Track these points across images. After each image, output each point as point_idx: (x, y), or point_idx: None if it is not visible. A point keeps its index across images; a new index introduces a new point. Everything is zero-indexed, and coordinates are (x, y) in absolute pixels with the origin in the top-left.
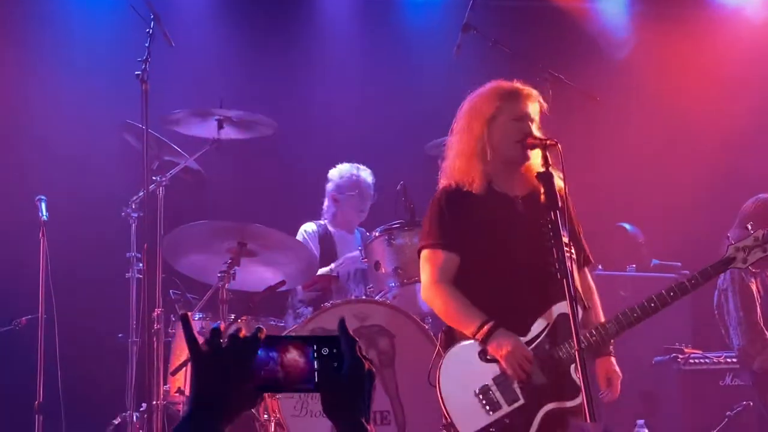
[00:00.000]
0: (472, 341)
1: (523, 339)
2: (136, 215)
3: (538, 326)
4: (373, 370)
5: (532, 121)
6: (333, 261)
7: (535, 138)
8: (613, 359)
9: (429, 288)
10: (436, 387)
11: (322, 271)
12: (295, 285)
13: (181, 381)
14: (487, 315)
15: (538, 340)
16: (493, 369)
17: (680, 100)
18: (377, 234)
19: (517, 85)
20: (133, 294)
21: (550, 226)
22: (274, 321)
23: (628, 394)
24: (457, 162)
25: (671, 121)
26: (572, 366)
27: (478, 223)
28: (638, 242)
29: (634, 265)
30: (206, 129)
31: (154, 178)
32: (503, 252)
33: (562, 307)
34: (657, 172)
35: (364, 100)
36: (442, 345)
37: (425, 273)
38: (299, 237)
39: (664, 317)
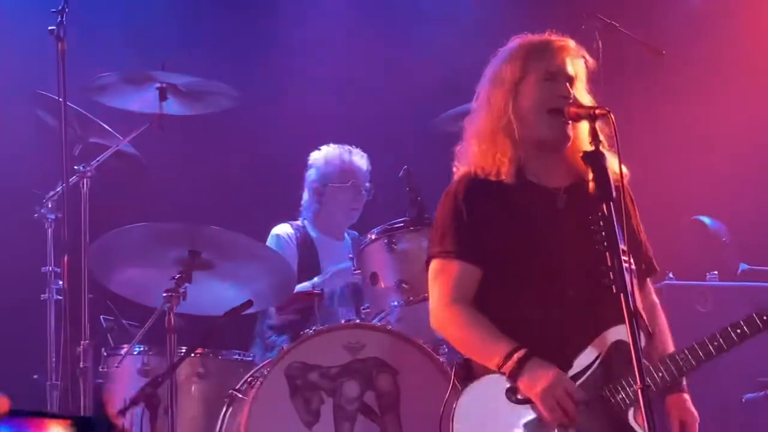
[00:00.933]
0: (496, 376)
1: (570, 373)
2: (53, 217)
3: (586, 357)
4: None
5: (572, 82)
6: (314, 274)
7: (579, 105)
8: (686, 396)
9: (441, 310)
10: None
11: (300, 287)
12: (266, 306)
13: None
14: (518, 343)
15: (586, 375)
16: (525, 412)
17: None
18: (374, 237)
19: (550, 36)
20: (51, 321)
21: (601, 223)
22: (239, 354)
23: None
24: (477, 143)
25: (764, 82)
26: (632, 410)
27: (508, 224)
28: (721, 241)
29: (716, 272)
30: (144, 100)
31: (75, 167)
32: (540, 262)
33: (618, 332)
34: (745, 151)
35: (354, 64)
36: (457, 381)
37: (435, 290)
38: (270, 243)
39: (756, 342)
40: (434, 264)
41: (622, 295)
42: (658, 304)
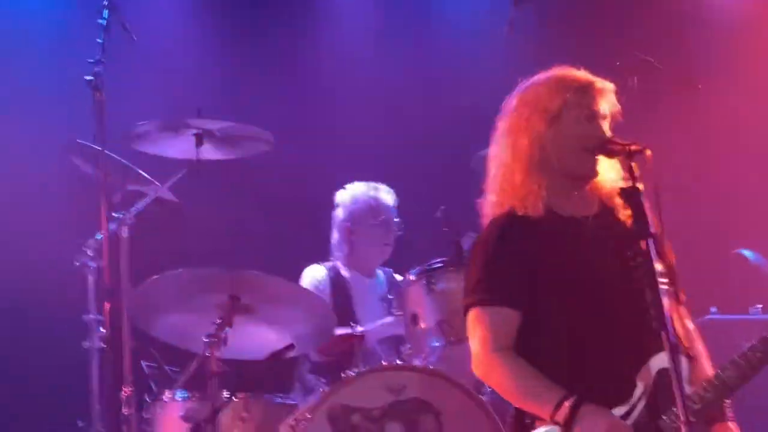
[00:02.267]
0: (550, 426)
1: (617, 412)
2: (93, 265)
3: (634, 392)
4: None
5: (605, 121)
6: (349, 314)
7: (616, 142)
8: (732, 425)
9: (483, 359)
10: None
11: (339, 330)
12: (307, 349)
13: None
14: (565, 387)
15: (637, 410)
16: None
17: None
18: (413, 278)
19: (589, 75)
20: (95, 369)
21: (639, 259)
22: (281, 398)
23: None
24: (507, 174)
25: None
26: None
27: (546, 262)
28: (764, 275)
29: (759, 306)
30: (181, 147)
31: (115, 214)
32: (582, 298)
33: (660, 360)
34: None
35: (386, 102)
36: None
37: (476, 340)
38: (305, 285)
39: None
40: (473, 313)
41: (663, 334)
42: (694, 329)
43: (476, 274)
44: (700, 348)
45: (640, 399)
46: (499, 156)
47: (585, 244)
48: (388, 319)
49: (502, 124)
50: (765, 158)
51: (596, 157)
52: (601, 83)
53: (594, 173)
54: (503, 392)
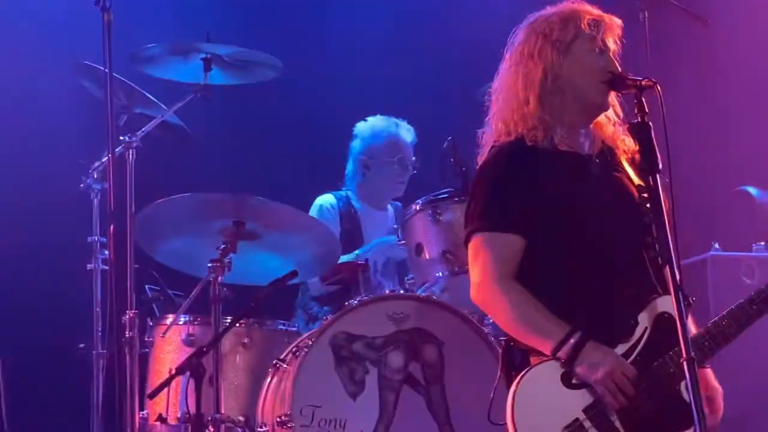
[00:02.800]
0: (550, 362)
1: (618, 350)
2: (98, 187)
3: (635, 332)
4: None
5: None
6: (357, 245)
7: (628, 77)
8: (710, 371)
9: (485, 287)
10: (508, 424)
11: (344, 258)
12: (311, 277)
13: (162, 405)
14: (566, 321)
15: (637, 350)
16: (583, 397)
17: None
18: (418, 208)
19: (599, 10)
20: (98, 292)
21: (646, 195)
22: (284, 324)
23: (760, 421)
24: (519, 103)
25: None
26: (683, 382)
27: (552, 192)
28: None
29: (763, 243)
30: (190, 71)
31: (121, 137)
32: (587, 232)
33: (663, 303)
34: None
35: (397, 32)
36: (505, 366)
37: (477, 267)
38: (313, 213)
39: None
40: (476, 240)
41: (668, 267)
42: None
43: (480, 200)
44: None
45: (640, 339)
46: (510, 85)
47: (588, 180)
48: (387, 238)
49: (511, 54)
50: None
51: (609, 91)
52: (611, 19)
53: (606, 105)
54: (503, 323)
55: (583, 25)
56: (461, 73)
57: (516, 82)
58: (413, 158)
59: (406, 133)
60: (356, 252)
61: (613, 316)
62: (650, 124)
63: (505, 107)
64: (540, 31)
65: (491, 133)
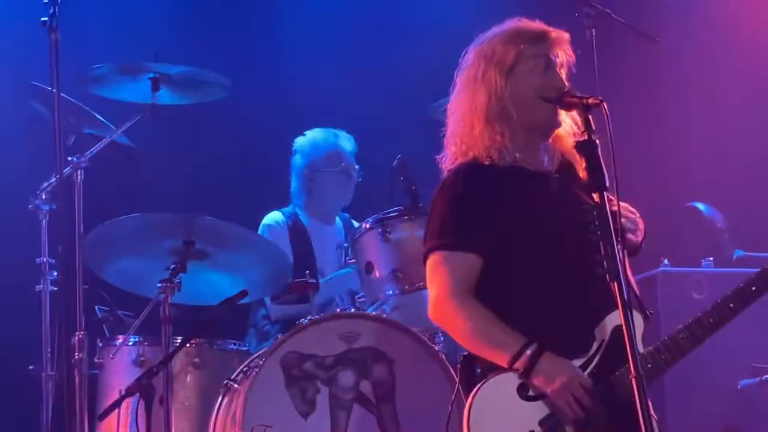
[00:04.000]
0: (507, 374)
1: (575, 364)
2: (47, 208)
3: (591, 345)
4: None
5: (564, 72)
6: (308, 261)
7: (573, 95)
8: None
9: (442, 304)
10: None
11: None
12: (262, 296)
13: (113, 427)
14: (525, 336)
15: (593, 363)
16: (540, 409)
17: None
18: (368, 226)
19: (546, 25)
20: (47, 313)
21: (595, 212)
22: (235, 344)
23: (706, 429)
24: (472, 124)
25: (759, 68)
26: None
27: (510, 210)
28: (717, 228)
29: (711, 259)
30: (138, 91)
31: (69, 158)
32: (544, 250)
33: (616, 318)
34: (740, 137)
35: (345, 50)
36: (463, 381)
37: (434, 285)
38: (262, 232)
39: (750, 326)
40: (434, 258)
41: (615, 284)
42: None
43: (439, 219)
44: None
45: (596, 353)
46: (459, 109)
47: (548, 198)
48: (346, 270)
49: (459, 79)
50: (720, 113)
51: (558, 108)
52: (556, 32)
53: (555, 123)
54: (460, 338)
55: (524, 45)
56: (412, 91)
57: (463, 107)
58: (356, 166)
59: (346, 142)
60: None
61: (569, 331)
62: (596, 141)
63: (455, 131)
64: (483, 54)
65: (449, 151)
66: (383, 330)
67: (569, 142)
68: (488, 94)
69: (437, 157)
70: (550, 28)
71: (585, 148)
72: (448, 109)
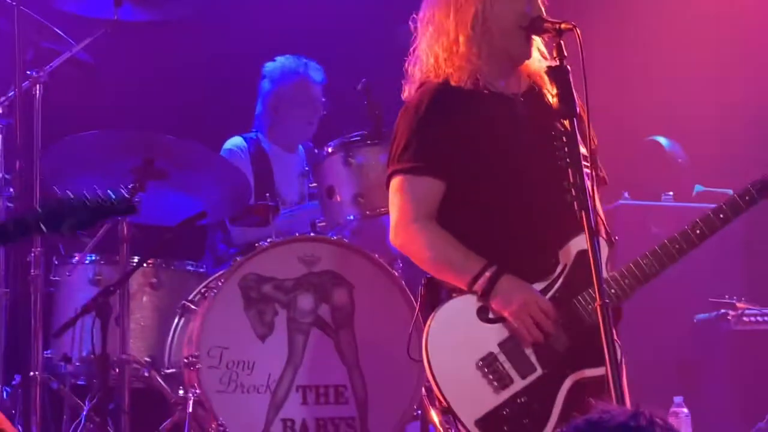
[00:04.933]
0: (467, 296)
1: (536, 287)
2: (4, 123)
3: (553, 269)
4: None
5: None
6: (268, 187)
7: (546, 20)
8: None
9: (404, 228)
10: (423, 360)
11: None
12: (221, 217)
13: (68, 345)
14: (487, 258)
15: (555, 287)
16: (499, 331)
17: None
18: (330, 150)
19: None
20: None
21: (564, 139)
22: (192, 265)
23: (662, 363)
24: (449, 41)
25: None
26: None
27: (475, 133)
28: (677, 163)
29: (671, 193)
30: (99, 5)
31: (28, 72)
32: (508, 173)
33: (581, 242)
34: (705, 71)
35: None
36: (423, 303)
37: (396, 208)
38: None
39: (708, 262)
40: (396, 181)
41: (583, 213)
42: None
43: (403, 141)
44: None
45: (559, 276)
46: (441, 22)
47: (513, 121)
48: (308, 204)
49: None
50: (683, 49)
51: (531, 37)
52: None
53: (527, 54)
54: (421, 261)
55: None
56: (377, 13)
57: (447, 19)
58: (323, 99)
59: (315, 73)
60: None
61: (531, 254)
62: (568, 67)
63: (434, 42)
64: None
65: (419, 68)
66: (343, 254)
67: (535, 65)
68: (475, 12)
69: (402, 81)
70: None
71: (556, 74)
72: (421, 21)
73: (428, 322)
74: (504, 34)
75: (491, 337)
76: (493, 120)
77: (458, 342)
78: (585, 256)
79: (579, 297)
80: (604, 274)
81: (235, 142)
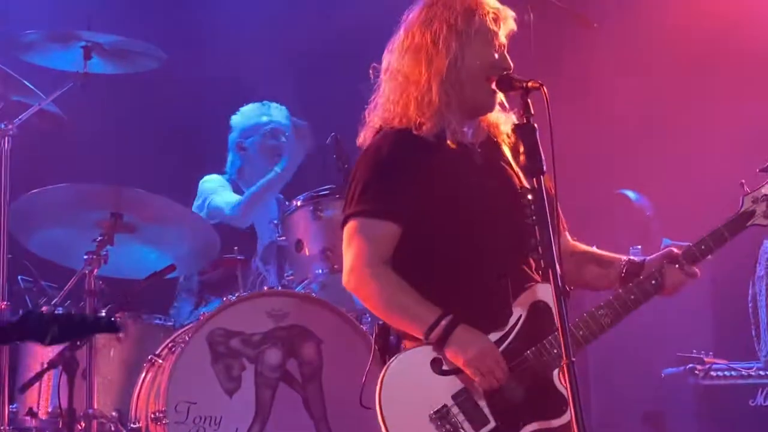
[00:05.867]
0: (422, 347)
1: (492, 337)
2: None
3: (509, 319)
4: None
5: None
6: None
7: (514, 78)
8: None
9: (357, 272)
10: (376, 410)
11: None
12: (189, 271)
13: (34, 399)
14: (441, 307)
15: (511, 338)
16: (453, 383)
17: (709, 26)
18: (299, 203)
19: (496, 2)
20: None
21: (530, 196)
22: (160, 319)
23: (630, 415)
24: (420, 90)
25: (695, 55)
26: (556, 371)
27: (432, 183)
28: (645, 216)
29: (639, 247)
30: (69, 59)
31: None
32: (465, 222)
33: (538, 292)
34: (672, 125)
35: (281, 23)
36: (377, 352)
37: (350, 253)
38: (209, 185)
39: (677, 317)
40: (352, 223)
41: (550, 272)
42: (576, 243)
43: (360, 185)
44: (585, 249)
45: (513, 327)
46: (411, 71)
47: (472, 171)
48: (271, 174)
49: (410, 37)
50: (651, 101)
51: (496, 90)
52: (505, 11)
53: (492, 107)
54: (375, 308)
55: (486, 19)
56: (345, 68)
57: (417, 68)
58: (287, 133)
59: (276, 110)
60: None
61: (486, 305)
62: (535, 125)
63: (403, 91)
64: (444, 19)
65: (381, 115)
66: (311, 309)
67: (494, 117)
68: (449, 62)
69: (366, 109)
70: (502, 7)
71: (524, 132)
72: (386, 70)
73: (382, 374)
74: (472, 84)
75: (445, 389)
76: (452, 170)
77: (412, 394)
78: (540, 307)
79: (535, 348)
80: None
81: (214, 177)
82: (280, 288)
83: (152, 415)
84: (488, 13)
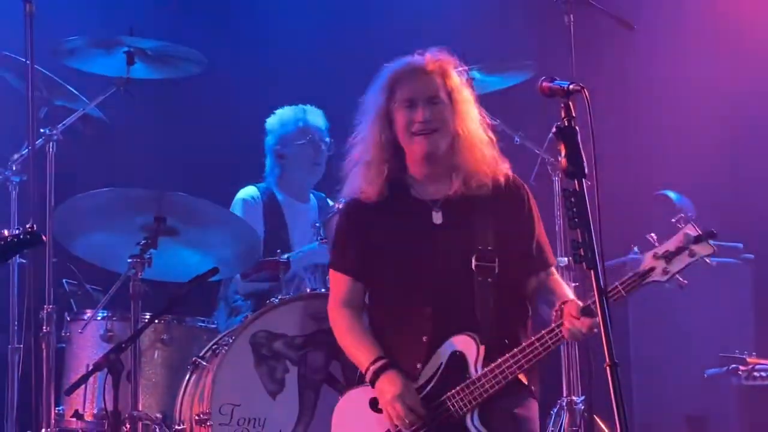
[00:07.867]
0: (364, 386)
1: (420, 381)
2: (17, 180)
3: (430, 368)
4: None
5: (434, 100)
6: (282, 237)
7: (552, 82)
8: None
9: (329, 312)
10: None
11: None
12: (232, 274)
13: (79, 401)
14: (385, 351)
15: (431, 384)
16: (384, 421)
17: (753, 27)
18: (340, 206)
19: (412, 59)
20: (14, 286)
21: (573, 200)
22: (203, 322)
23: (672, 417)
24: (364, 165)
25: (739, 57)
26: (469, 414)
27: (372, 243)
28: (687, 216)
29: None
30: (112, 64)
31: (42, 130)
32: (401, 279)
33: (455, 343)
34: (716, 126)
35: (323, 27)
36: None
37: (330, 294)
38: (236, 208)
39: (718, 318)
40: (329, 271)
41: (592, 272)
42: (559, 281)
43: (333, 242)
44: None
45: (435, 374)
46: (359, 148)
47: (417, 230)
48: (313, 245)
49: (361, 116)
50: (701, 105)
51: (425, 138)
52: (410, 66)
53: (430, 151)
54: (340, 344)
55: (394, 87)
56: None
57: (362, 144)
58: (326, 139)
59: (314, 116)
60: (283, 256)
61: (417, 352)
62: (576, 128)
63: (356, 165)
64: (371, 100)
65: (347, 184)
66: None
67: (476, 154)
68: (379, 134)
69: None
70: (413, 60)
71: (564, 134)
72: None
73: (335, 409)
74: (405, 146)
75: (379, 425)
76: (393, 231)
77: (354, 427)
78: (457, 356)
79: (449, 393)
80: (473, 373)
81: (249, 191)
82: (323, 290)
83: (197, 417)
84: (394, 79)
